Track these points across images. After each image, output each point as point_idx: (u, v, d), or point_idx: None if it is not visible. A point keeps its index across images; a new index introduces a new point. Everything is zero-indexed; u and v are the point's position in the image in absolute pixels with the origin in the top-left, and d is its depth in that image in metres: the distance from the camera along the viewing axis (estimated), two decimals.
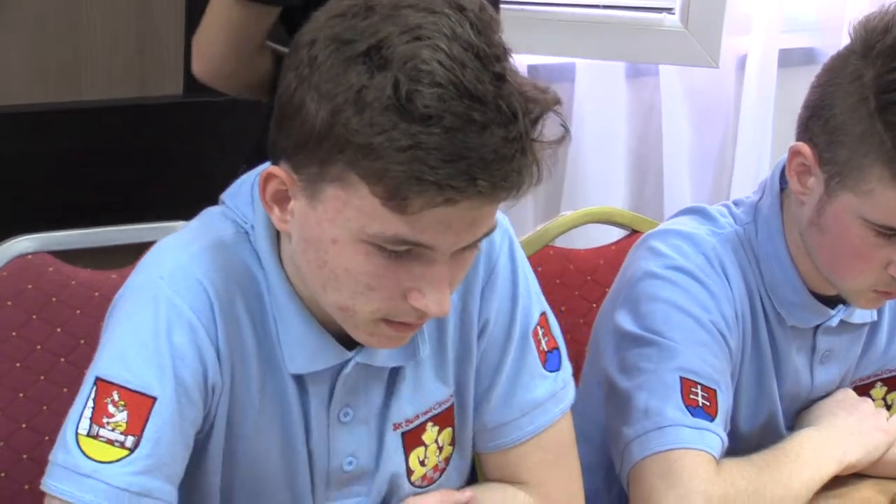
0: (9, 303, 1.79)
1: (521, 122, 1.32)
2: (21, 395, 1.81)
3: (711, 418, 1.77)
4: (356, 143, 1.31)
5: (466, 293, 1.64)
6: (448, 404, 1.67)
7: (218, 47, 2.17)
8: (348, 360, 1.55)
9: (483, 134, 1.30)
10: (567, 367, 1.73)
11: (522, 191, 1.36)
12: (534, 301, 1.70)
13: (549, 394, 1.71)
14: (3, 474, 1.77)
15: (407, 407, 1.63)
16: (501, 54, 1.36)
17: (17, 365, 1.79)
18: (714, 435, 1.76)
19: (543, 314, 1.71)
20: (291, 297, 1.52)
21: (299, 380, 1.55)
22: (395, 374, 1.61)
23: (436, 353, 1.64)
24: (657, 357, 1.79)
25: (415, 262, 1.39)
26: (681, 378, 1.77)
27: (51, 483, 1.44)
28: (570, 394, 1.73)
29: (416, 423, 1.65)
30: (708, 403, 1.78)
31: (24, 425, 1.83)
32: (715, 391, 1.79)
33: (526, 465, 1.71)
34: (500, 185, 1.33)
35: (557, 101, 1.39)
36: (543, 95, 1.36)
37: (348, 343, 1.54)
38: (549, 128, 1.35)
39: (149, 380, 1.45)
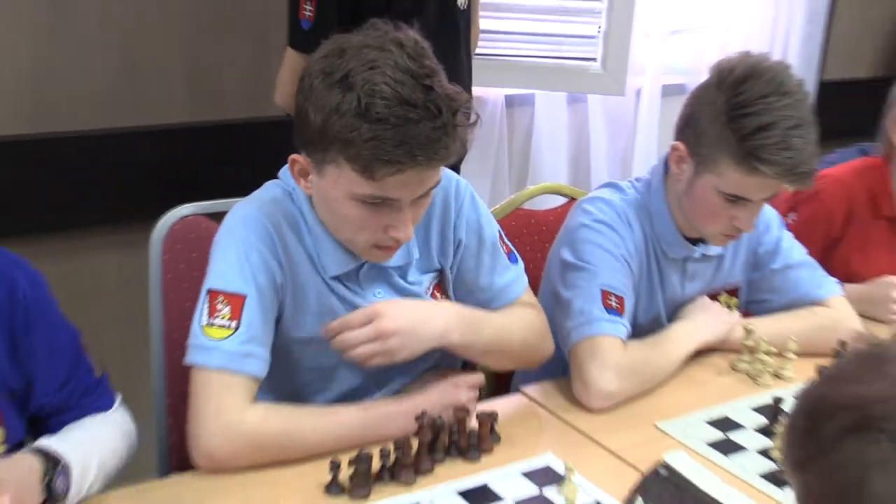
0: (178, 246, 1.81)
1: (444, 115, 1.40)
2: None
3: (621, 316, 1.78)
4: (340, 139, 1.40)
5: (445, 222, 1.68)
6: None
7: (288, 86, 2.08)
8: (363, 264, 1.60)
9: (418, 126, 1.39)
10: (521, 261, 1.76)
11: (451, 159, 1.44)
12: (493, 224, 1.74)
13: (516, 276, 1.74)
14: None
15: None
16: (430, 72, 1.43)
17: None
18: (622, 326, 1.78)
19: (500, 231, 1.75)
20: (323, 228, 1.58)
21: (335, 280, 1.59)
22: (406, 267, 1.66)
23: (424, 257, 1.67)
24: (587, 277, 1.81)
25: (387, 210, 1.48)
26: (601, 290, 1.79)
27: (190, 359, 1.51)
28: (525, 277, 1.76)
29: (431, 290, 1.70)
30: (618, 306, 1.79)
31: None
32: (623, 298, 1.80)
33: None
34: (433, 157, 1.41)
35: (468, 99, 1.46)
36: (459, 96, 1.44)
37: None
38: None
39: (239, 285, 1.52)
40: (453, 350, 1.62)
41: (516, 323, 1.70)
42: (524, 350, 1.71)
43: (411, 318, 1.55)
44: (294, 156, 1.52)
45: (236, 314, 1.51)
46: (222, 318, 1.51)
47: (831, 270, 2.09)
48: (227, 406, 1.48)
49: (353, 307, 1.60)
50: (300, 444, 1.51)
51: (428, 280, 1.69)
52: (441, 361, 1.70)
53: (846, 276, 2.17)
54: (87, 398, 1.47)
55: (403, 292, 1.65)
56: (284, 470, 1.50)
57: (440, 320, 1.58)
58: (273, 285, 1.55)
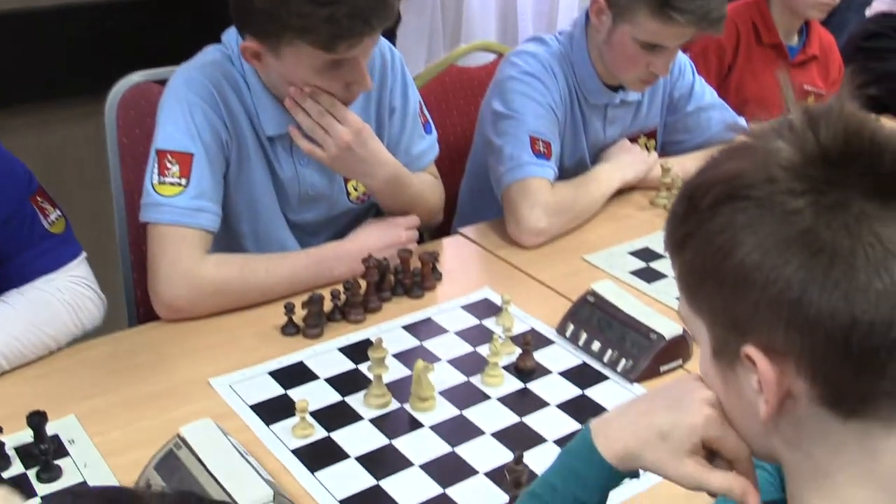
0: (131, 112, 1.73)
1: None
2: None
3: (548, 159, 1.75)
4: (295, 27, 1.35)
5: (382, 90, 1.63)
6: None
7: None
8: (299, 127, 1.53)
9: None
10: (435, 132, 1.72)
11: (389, 22, 1.40)
12: (416, 93, 1.69)
13: (430, 145, 1.70)
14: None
15: None
16: None
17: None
18: (550, 169, 1.75)
19: (420, 101, 1.69)
20: (263, 88, 1.51)
21: (271, 140, 1.53)
22: None
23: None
24: (516, 125, 1.76)
25: (347, 67, 1.42)
26: (530, 136, 1.74)
27: (144, 217, 1.46)
28: (437, 148, 1.72)
29: None
30: (546, 151, 1.75)
31: None
32: (550, 143, 1.76)
33: None
34: (384, 20, 1.38)
35: None
36: None
37: None
38: None
39: (186, 143, 1.46)
40: (380, 198, 1.62)
41: (429, 188, 1.68)
42: (428, 214, 1.70)
43: (375, 151, 1.53)
44: (244, 45, 1.44)
45: (185, 172, 1.45)
46: (172, 176, 1.45)
47: (728, 97, 2.11)
48: (183, 257, 1.44)
49: (291, 172, 1.56)
50: (255, 289, 1.48)
51: None
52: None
53: (742, 101, 2.21)
54: (31, 250, 1.37)
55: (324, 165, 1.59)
56: (243, 315, 1.48)
57: (391, 167, 1.57)
58: (219, 143, 1.49)
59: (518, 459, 1.05)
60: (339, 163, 1.51)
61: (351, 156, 1.50)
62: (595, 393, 1.32)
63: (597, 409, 1.29)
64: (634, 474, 0.83)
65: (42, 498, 0.58)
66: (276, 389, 1.31)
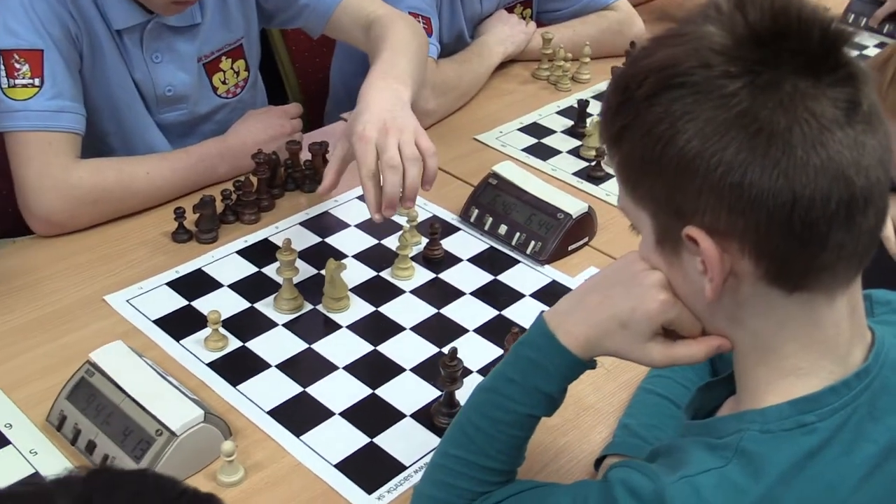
0: None
1: None
2: None
3: (430, 35, 1.67)
4: None
5: None
6: (236, 44, 1.58)
7: None
8: (149, 21, 1.44)
9: None
10: None
11: None
12: None
13: None
14: None
15: (204, 47, 1.54)
16: None
17: None
18: (433, 46, 1.68)
19: None
20: None
21: (120, 34, 1.44)
22: (192, 30, 1.50)
23: (219, 11, 1.53)
24: (392, 2, 1.70)
25: None
26: (409, 13, 1.67)
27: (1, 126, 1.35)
28: None
29: (213, 57, 1.56)
30: (427, 27, 1.68)
31: None
32: (430, 18, 1.70)
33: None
34: None
35: None
36: None
37: None
38: None
39: (33, 39, 1.35)
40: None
41: (398, 37, 1.49)
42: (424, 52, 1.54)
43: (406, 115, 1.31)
44: None
45: (37, 71, 1.35)
46: (23, 77, 1.34)
47: None
48: (52, 165, 1.35)
49: (144, 71, 1.48)
50: (136, 194, 1.42)
51: (214, 48, 1.56)
52: None
53: None
54: None
55: (182, 59, 1.51)
56: (126, 224, 1.41)
57: (406, 94, 1.36)
58: (68, 36, 1.38)
59: (453, 355, 1.07)
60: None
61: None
62: (508, 278, 1.35)
63: (512, 294, 1.31)
64: (592, 364, 0.86)
65: None
66: (178, 301, 1.27)
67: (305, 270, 1.32)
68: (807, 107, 0.70)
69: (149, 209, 1.43)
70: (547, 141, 1.69)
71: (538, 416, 0.88)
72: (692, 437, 0.80)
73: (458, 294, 1.31)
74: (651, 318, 0.81)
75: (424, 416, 1.11)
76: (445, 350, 1.20)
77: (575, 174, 1.59)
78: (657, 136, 0.73)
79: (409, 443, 1.08)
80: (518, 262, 1.38)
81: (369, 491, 1.02)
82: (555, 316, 0.87)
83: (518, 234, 1.40)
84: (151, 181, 1.42)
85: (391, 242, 1.40)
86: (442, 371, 1.08)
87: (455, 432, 0.90)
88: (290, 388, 1.15)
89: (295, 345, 1.21)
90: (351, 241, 1.41)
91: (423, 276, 1.34)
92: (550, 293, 1.32)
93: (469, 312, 1.28)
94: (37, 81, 1.34)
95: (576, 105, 1.73)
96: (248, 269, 1.34)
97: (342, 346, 1.21)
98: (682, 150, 0.72)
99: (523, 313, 1.28)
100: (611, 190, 1.55)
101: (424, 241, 1.39)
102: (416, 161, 1.25)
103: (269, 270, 1.33)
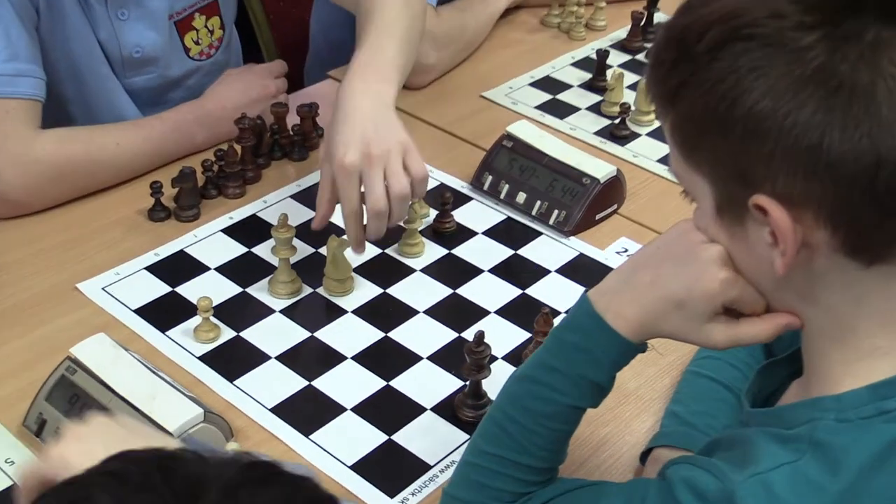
0: None
1: None
2: None
3: None
4: None
5: None
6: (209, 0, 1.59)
7: None
8: None
9: None
10: None
11: None
12: None
13: None
14: None
15: (175, 3, 1.54)
16: None
17: None
18: None
19: None
20: None
21: None
22: None
23: None
24: None
25: None
26: None
27: None
28: None
29: (185, 14, 1.56)
30: None
31: None
32: None
33: None
34: None
35: None
36: None
37: None
38: None
39: None
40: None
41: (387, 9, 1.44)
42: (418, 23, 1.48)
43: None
44: None
45: None
46: None
47: None
48: (11, 137, 1.35)
49: (108, 30, 1.48)
50: (106, 167, 1.42)
51: (187, 4, 1.56)
52: None
53: None
54: None
55: (152, 16, 1.51)
56: (95, 202, 1.42)
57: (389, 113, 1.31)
58: None
59: (480, 339, 1.08)
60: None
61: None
62: (529, 252, 1.36)
63: (535, 271, 1.33)
64: (644, 347, 0.87)
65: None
66: (160, 287, 1.28)
67: (302, 250, 1.32)
68: (892, 59, 0.70)
69: (120, 184, 1.43)
70: (563, 97, 1.70)
71: (584, 407, 0.89)
72: (757, 426, 0.81)
73: (474, 271, 1.32)
74: (710, 297, 0.81)
75: (447, 410, 1.13)
76: (465, 335, 1.22)
77: (597, 133, 1.60)
78: (721, 94, 0.73)
79: (432, 439, 1.09)
80: (540, 233, 1.40)
81: (391, 494, 1.03)
82: (601, 296, 0.87)
83: (539, 203, 1.41)
84: (122, 152, 1.42)
85: None
86: (467, 358, 1.09)
87: (489, 427, 0.91)
88: (293, 382, 1.16)
89: (295, 333, 1.22)
90: None
91: (433, 252, 1.35)
92: (578, 268, 1.34)
93: (489, 292, 1.29)
94: None
95: (593, 56, 1.74)
96: (237, 249, 1.34)
97: (348, 334, 1.22)
98: (751, 111, 0.72)
99: (549, 291, 1.29)
100: (638, 151, 1.56)
101: (433, 213, 1.40)
102: (404, 200, 1.23)
103: (261, 250, 1.33)
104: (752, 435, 0.80)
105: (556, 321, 1.19)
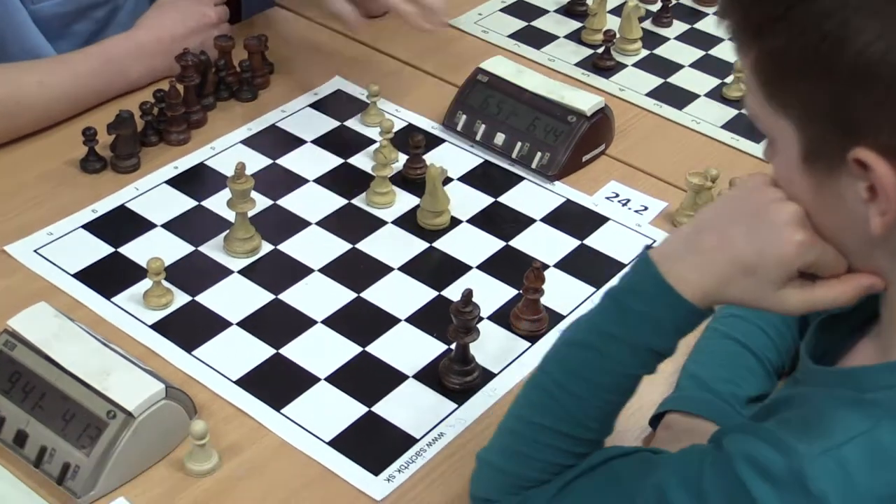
0: None
1: None
2: None
3: None
4: None
5: None
6: None
7: None
8: None
9: None
10: None
11: None
12: None
13: None
14: None
15: None
16: None
17: None
18: None
19: None
20: None
21: None
22: None
23: None
24: None
25: None
26: None
27: None
28: None
29: None
30: None
31: None
32: None
33: None
34: None
35: None
36: None
37: None
38: None
39: None
40: None
41: None
42: None
43: None
44: None
45: None
46: None
47: None
48: None
49: None
50: (29, 110, 1.40)
51: None
52: None
53: None
54: None
55: None
56: (18, 151, 1.40)
57: None
58: None
59: (467, 299, 1.09)
60: None
61: None
62: (511, 199, 1.37)
63: (519, 220, 1.34)
64: (710, 312, 0.86)
65: None
66: (101, 248, 1.27)
67: (260, 202, 1.31)
68: None
69: (46, 130, 1.42)
70: (539, 24, 1.70)
71: (642, 374, 0.88)
72: (823, 388, 0.81)
73: (452, 222, 1.33)
74: (785, 262, 0.81)
75: (431, 377, 1.14)
76: (446, 293, 1.23)
77: (578, 65, 1.61)
78: (823, 32, 0.73)
79: (416, 410, 1.11)
80: (522, 178, 1.40)
81: (376, 471, 1.04)
82: (664, 258, 0.85)
83: (519, 145, 1.41)
84: (47, 91, 1.40)
85: (361, 161, 1.41)
86: (454, 319, 1.10)
87: (537, 395, 0.90)
88: (259, 351, 1.16)
89: (257, 296, 1.22)
90: (310, 162, 1.41)
91: (405, 201, 1.36)
92: (566, 216, 1.35)
93: (469, 244, 1.30)
94: None
95: None
96: (185, 202, 1.34)
97: (316, 295, 1.23)
98: (861, 53, 0.72)
99: (535, 242, 1.31)
100: (625, 83, 1.57)
101: (403, 157, 1.40)
102: None
103: (213, 203, 1.33)
104: (819, 398, 0.80)
105: (550, 274, 1.21)
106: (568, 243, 1.31)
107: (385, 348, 1.17)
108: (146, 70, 1.48)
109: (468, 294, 1.10)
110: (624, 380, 0.87)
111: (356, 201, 1.35)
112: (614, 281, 0.90)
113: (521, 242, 1.31)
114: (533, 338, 1.19)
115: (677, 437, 1.02)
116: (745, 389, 1.04)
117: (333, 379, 1.13)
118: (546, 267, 1.26)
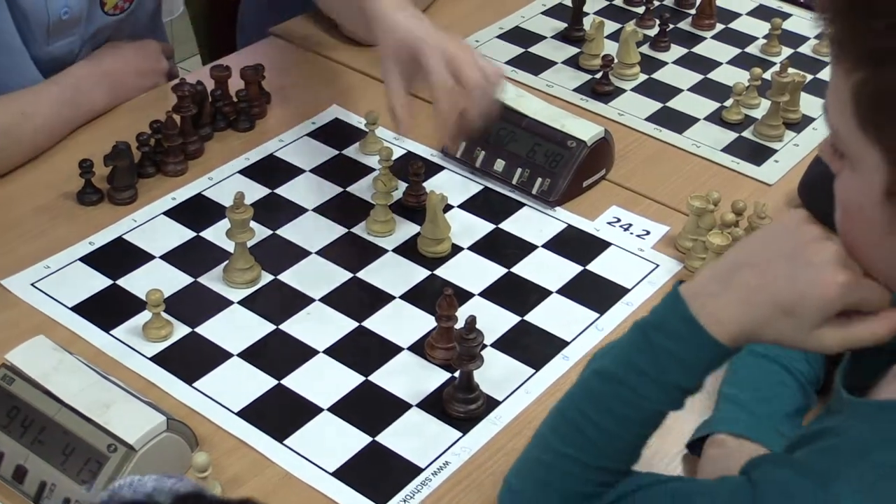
0: None
1: None
2: None
3: None
4: None
5: None
6: None
7: None
8: None
9: None
10: None
11: None
12: None
13: None
14: None
15: None
16: None
17: None
18: None
19: None
20: None
21: None
22: None
23: None
24: None
25: None
26: None
27: None
28: None
29: None
30: None
31: None
32: None
33: None
34: None
35: None
36: None
37: None
38: None
39: None
40: None
41: None
42: None
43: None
44: None
45: None
46: None
47: None
48: None
49: None
50: (16, 143, 1.41)
51: None
52: None
53: None
54: None
55: None
56: (14, 183, 1.40)
57: None
58: None
59: (471, 326, 1.09)
60: None
61: None
62: (512, 226, 1.38)
63: (521, 246, 1.34)
64: (738, 350, 0.86)
65: None
66: (99, 280, 1.27)
67: (260, 232, 1.31)
68: None
69: (39, 163, 1.42)
70: (536, 50, 1.71)
71: (670, 411, 0.88)
72: (861, 420, 0.80)
73: (453, 250, 1.33)
74: (827, 305, 0.81)
75: (435, 405, 1.14)
76: None
77: (576, 90, 1.62)
78: None
79: (421, 439, 1.10)
80: (522, 204, 1.41)
81: (381, 502, 1.04)
82: (696, 295, 0.85)
83: (519, 171, 1.42)
84: (30, 122, 1.42)
85: (360, 190, 1.41)
86: (457, 347, 1.10)
87: (564, 426, 0.90)
88: (261, 382, 1.16)
89: (258, 327, 1.22)
90: (309, 191, 1.41)
91: (406, 229, 1.36)
92: (567, 242, 1.35)
93: (471, 272, 1.30)
94: None
95: (567, 2, 1.75)
96: (183, 233, 1.34)
97: (318, 325, 1.22)
98: None
99: (538, 268, 1.31)
100: (624, 108, 1.58)
101: (402, 185, 1.40)
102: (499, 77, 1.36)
103: (211, 234, 1.33)
104: (854, 430, 0.79)
105: (552, 300, 1.21)
106: (570, 269, 1.31)
107: (388, 377, 1.17)
108: (113, 98, 1.53)
109: (472, 321, 1.10)
110: (653, 416, 0.87)
111: (356, 230, 1.36)
112: (643, 312, 0.90)
113: (522, 269, 1.31)
114: (448, 367, 1.17)
115: (730, 456, 1.00)
116: (778, 407, 1.04)
117: (336, 409, 1.13)
118: (548, 293, 1.27)
